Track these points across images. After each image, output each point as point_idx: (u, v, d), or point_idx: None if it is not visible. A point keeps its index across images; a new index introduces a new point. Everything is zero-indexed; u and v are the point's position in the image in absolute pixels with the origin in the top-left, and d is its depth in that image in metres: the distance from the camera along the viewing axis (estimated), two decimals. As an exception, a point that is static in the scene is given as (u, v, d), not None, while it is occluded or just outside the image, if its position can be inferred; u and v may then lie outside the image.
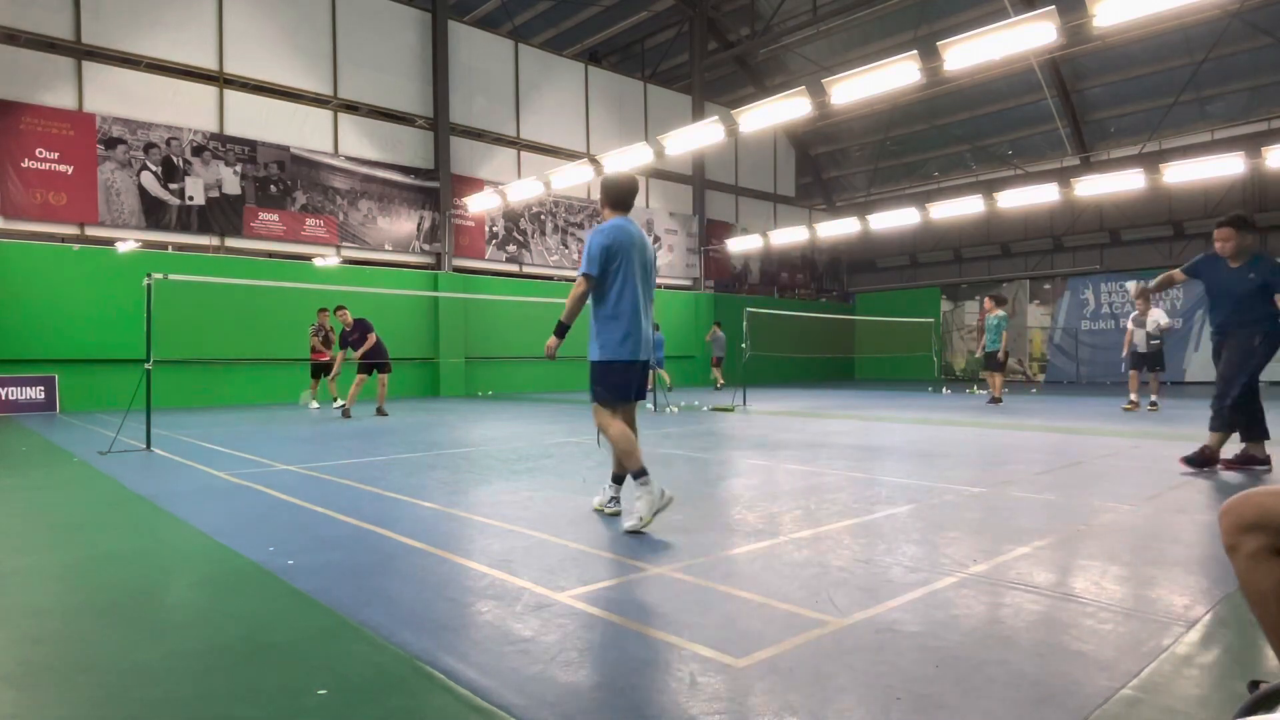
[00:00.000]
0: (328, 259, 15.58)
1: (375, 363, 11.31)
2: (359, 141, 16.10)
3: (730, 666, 2.13)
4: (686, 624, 2.47)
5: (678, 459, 6.42)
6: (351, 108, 16.02)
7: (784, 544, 3.50)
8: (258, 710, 1.91)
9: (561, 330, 4.09)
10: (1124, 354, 11.76)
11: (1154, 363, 11.52)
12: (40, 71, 12.55)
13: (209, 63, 14.17)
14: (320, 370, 12.77)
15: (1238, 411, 5.38)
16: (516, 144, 18.81)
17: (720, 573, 3.06)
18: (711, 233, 23.36)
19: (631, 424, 4.18)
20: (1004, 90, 21.05)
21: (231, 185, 14.34)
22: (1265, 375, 5.51)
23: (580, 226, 20.00)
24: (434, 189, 17.07)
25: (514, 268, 18.83)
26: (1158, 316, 11.42)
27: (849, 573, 3.03)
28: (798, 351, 22.13)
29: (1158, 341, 11.49)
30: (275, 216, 14.86)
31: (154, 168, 13.50)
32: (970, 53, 8.64)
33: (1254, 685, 1.68)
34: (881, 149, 24.57)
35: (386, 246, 16.47)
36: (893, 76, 9.26)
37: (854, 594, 2.77)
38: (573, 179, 15.12)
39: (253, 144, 14.58)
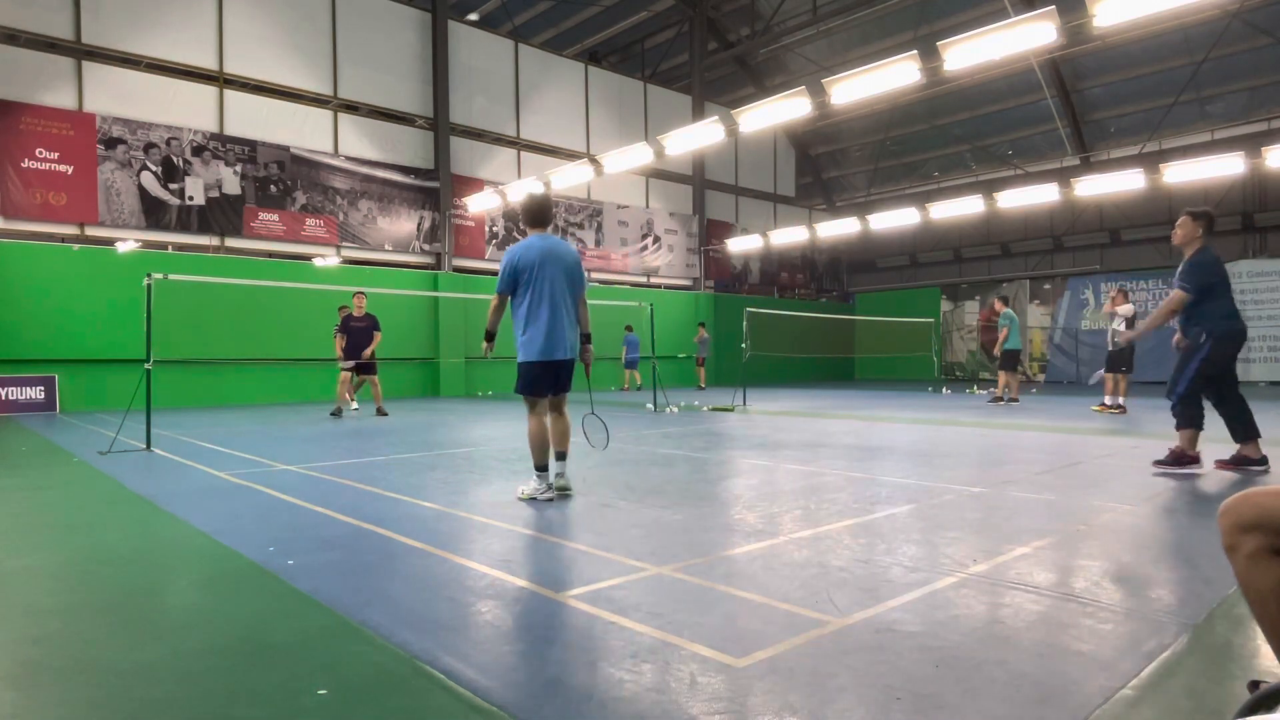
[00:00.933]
0: (328, 259, 15.58)
1: (362, 364, 11.01)
2: (359, 141, 16.10)
3: (730, 666, 2.13)
4: (686, 624, 2.47)
5: (678, 459, 6.42)
6: (351, 108, 16.03)
7: (784, 544, 3.50)
8: (258, 710, 1.91)
9: (488, 336, 4.83)
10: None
11: (1117, 363, 11.02)
12: (40, 71, 12.55)
13: (209, 63, 14.17)
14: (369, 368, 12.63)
15: (1189, 406, 5.38)
16: (516, 144, 18.82)
17: (720, 573, 3.06)
18: (711, 233, 23.36)
19: (560, 411, 4.82)
20: (1004, 90, 21.05)
21: (231, 185, 14.34)
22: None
23: (580, 226, 20.00)
24: (434, 189, 17.07)
25: (514, 268, 18.78)
26: (1125, 312, 11.02)
27: (849, 573, 3.03)
28: (798, 351, 22.12)
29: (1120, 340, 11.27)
30: (275, 216, 14.86)
31: (154, 168, 13.50)
32: (970, 53, 8.64)
33: (1254, 685, 1.68)
34: (881, 149, 24.57)
35: (386, 246, 16.47)
36: (893, 76, 9.26)
37: (854, 594, 2.77)
38: (573, 179, 15.11)
39: (253, 144, 14.58)
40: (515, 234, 18.70)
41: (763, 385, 20.73)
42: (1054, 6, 7.95)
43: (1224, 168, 14.17)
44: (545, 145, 19.27)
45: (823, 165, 27.24)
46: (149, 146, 13.44)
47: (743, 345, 13.72)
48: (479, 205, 17.23)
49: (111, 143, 13.05)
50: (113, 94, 13.21)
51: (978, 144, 22.94)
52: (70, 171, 12.67)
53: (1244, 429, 5.39)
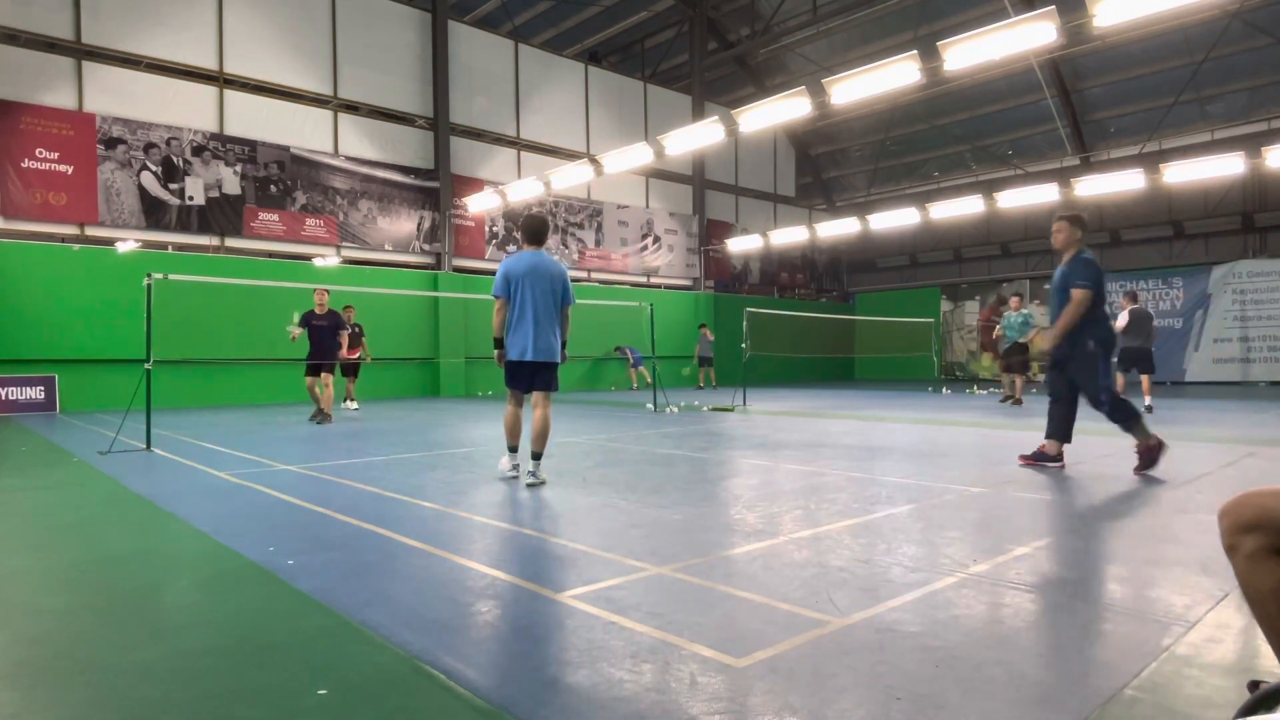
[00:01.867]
0: (328, 259, 15.58)
1: (327, 364, 10.53)
2: (359, 141, 16.10)
3: (730, 666, 2.13)
4: (686, 624, 2.47)
5: (678, 459, 6.42)
6: (351, 108, 16.02)
7: (784, 544, 3.50)
8: (258, 710, 1.91)
9: (497, 343, 5.28)
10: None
11: (1127, 363, 11.05)
12: (40, 71, 12.55)
13: (209, 63, 14.17)
14: (352, 369, 12.68)
15: (1119, 406, 5.41)
16: (516, 144, 18.81)
17: (720, 573, 3.06)
18: (711, 233, 23.36)
19: (543, 408, 5.28)
20: (1004, 90, 21.04)
21: (231, 185, 14.34)
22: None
23: (580, 226, 20.00)
24: (434, 189, 17.07)
25: (514, 268, 18.80)
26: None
27: (849, 573, 3.03)
28: (798, 351, 22.12)
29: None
30: (275, 216, 14.86)
31: (154, 168, 13.50)
32: (970, 53, 8.64)
33: (1254, 685, 1.68)
34: (881, 149, 24.56)
35: (386, 246, 16.47)
36: (893, 76, 9.26)
37: (854, 594, 2.77)
38: (572, 179, 15.11)
39: (253, 144, 14.57)
40: (515, 234, 18.70)
41: (763, 385, 20.73)
42: (1054, 6, 7.95)
43: (1224, 168, 14.17)
44: (545, 145, 19.27)
45: (823, 165, 27.24)
46: (149, 146, 13.43)
47: (743, 345, 13.72)
48: (479, 205, 17.22)
49: (111, 143, 13.05)
50: (113, 94, 13.21)
51: (978, 144, 22.93)
52: (70, 171, 12.67)
53: (1064, 431, 5.66)
